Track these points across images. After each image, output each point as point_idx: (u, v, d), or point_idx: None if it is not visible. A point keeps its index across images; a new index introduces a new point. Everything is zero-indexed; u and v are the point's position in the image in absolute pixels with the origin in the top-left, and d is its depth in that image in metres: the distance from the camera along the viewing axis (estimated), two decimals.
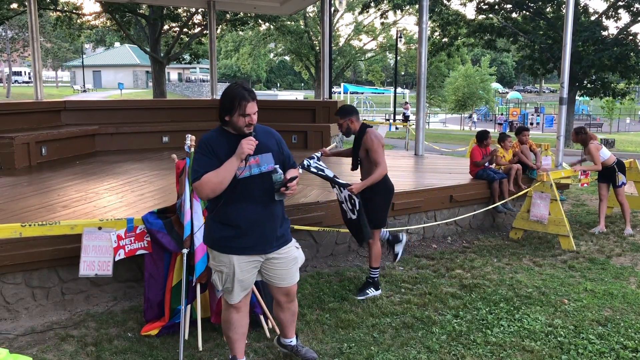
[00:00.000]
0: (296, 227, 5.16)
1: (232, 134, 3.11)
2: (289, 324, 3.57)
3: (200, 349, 3.82)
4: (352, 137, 4.82)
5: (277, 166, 3.15)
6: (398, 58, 39.42)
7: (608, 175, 7.36)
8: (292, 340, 3.64)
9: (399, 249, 5.09)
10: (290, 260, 3.34)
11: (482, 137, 7.25)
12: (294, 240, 3.43)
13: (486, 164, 7.19)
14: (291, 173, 3.21)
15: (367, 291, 4.87)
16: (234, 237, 3.13)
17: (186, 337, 3.87)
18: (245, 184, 3.10)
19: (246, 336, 3.49)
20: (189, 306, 4.02)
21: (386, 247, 5.22)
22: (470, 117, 43.16)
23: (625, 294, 4.95)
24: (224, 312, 3.39)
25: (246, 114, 3.02)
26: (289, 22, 34.95)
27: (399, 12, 32.79)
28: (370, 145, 4.54)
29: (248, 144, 3.00)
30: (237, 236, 3.13)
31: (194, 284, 3.93)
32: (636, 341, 4.02)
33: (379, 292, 4.93)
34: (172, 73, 69.91)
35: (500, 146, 7.56)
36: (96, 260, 3.86)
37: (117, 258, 3.90)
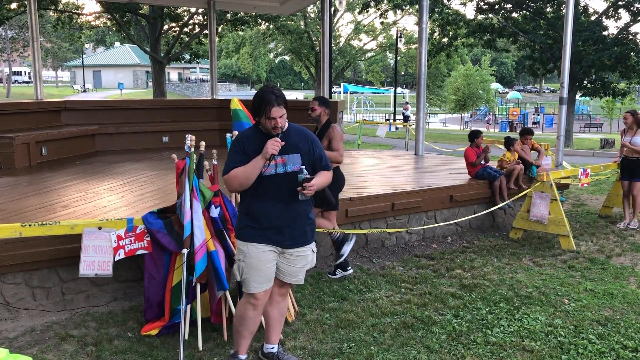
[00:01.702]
0: None
1: (264, 132, 3.29)
2: (275, 323, 3.58)
3: (200, 349, 3.83)
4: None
5: (303, 167, 3.25)
6: (398, 58, 39.38)
7: (632, 167, 7.43)
8: (274, 347, 3.62)
9: (346, 248, 5.07)
10: (301, 260, 3.42)
11: (473, 137, 7.30)
12: (313, 243, 3.47)
13: (482, 162, 7.21)
14: (320, 175, 3.35)
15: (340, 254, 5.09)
16: (253, 226, 3.29)
17: (186, 337, 3.87)
18: (269, 182, 3.26)
19: (253, 335, 3.51)
20: (189, 306, 4.02)
21: (333, 247, 5.30)
22: (471, 117, 43.12)
23: (625, 294, 4.96)
24: (240, 306, 3.44)
25: (272, 118, 3.18)
26: (289, 22, 34.91)
27: (399, 12, 32.79)
28: (334, 135, 4.95)
29: (273, 145, 3.17)
30: (256, 227, 3.29)
31: (194, 284, 3.93)
32: (636, 341, 4.03)
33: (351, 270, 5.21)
34: (172, 73, 69.94)
35: (509, 150, 7.55)
36: (96, 260, 3.87)
37: (117, 258, 3.90)
